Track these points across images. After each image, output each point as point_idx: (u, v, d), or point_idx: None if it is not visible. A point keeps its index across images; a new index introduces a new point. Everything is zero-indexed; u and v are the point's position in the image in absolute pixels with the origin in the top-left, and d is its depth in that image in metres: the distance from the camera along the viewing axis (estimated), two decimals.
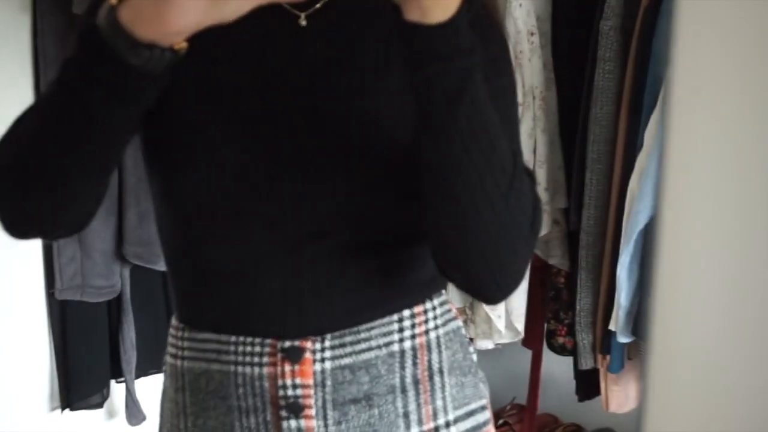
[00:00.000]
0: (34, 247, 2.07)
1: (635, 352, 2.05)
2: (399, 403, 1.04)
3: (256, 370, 1.01)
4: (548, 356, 2.32)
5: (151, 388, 2.23)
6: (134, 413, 2.26)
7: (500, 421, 2.51)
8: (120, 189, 2.05)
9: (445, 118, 0.87)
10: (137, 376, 2.23)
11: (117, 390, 2.27)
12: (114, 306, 2.17)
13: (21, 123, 0.94)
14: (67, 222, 1.01)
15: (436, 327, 1.07)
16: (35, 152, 0.92)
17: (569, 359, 2.21)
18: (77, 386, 2.15)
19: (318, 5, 0.99)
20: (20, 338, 2.09)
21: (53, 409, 2.18)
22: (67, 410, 2.17)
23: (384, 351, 1.03)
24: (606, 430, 2.53)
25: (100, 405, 2.21)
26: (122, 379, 2.23)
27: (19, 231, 0.98)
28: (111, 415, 2.30)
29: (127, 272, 2.15)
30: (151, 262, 2.11)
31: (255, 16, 0.97)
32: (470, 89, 0.86)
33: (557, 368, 2.39)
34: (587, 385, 2.18)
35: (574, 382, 2.22)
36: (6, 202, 0.96)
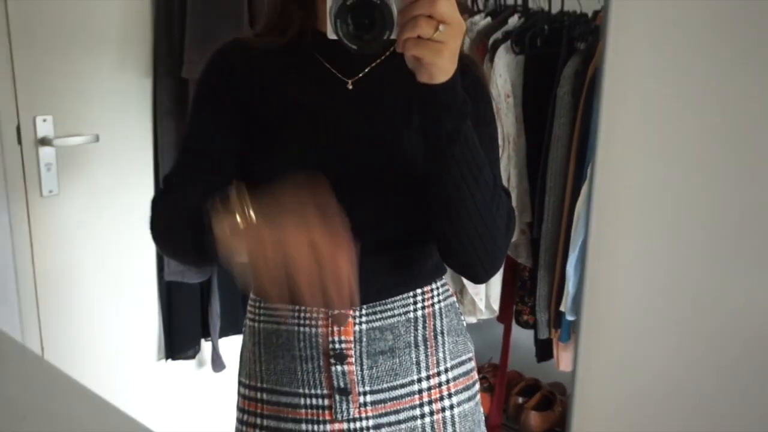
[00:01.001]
0: (150, 243, 2.08)
1: (578, 327, 2.06)
2: (413, 355, 1.05)
3: (313, 330, 1.03)
4: (516, 329, 2.32)
5: (230, 346, 2.23)
6: (218, 363, 2.26)
7: (480, 375, 2.43)
8: None
9: (445, 150, 0.89)
10: (220, 337, 2.22)
11: (206, 346, 2.26)
12: (205, 286, 2.16)
13: (162, 213, 1.03)
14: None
15: (439, 301, 1.08)
16: (169, 242, 1.04)
17: (531, 332, 2.23)
18: (177, 343, 2.16)
19: (361, 75, 1.01)
20: (138, 308, 2.10)
21: (159, 359, 2.18)
22: (169, 360, 2.18)
23: (403, 318, 1.04)
24: (556, 384, 2.53)
25: (193, 357, 2.20)
26: (209, 338, 2.22)
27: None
28: (201, 364, 2.29)
29: None
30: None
31: (315, 80, 1.00)
32: (463, 129, 0.88)
33: (522, 338, 2.38)
34: (544, 350, 2.20)
35: (534, 348, 2.23)
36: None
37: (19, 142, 1.79)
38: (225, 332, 2.24)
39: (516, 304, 2.28)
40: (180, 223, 0.96)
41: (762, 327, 0.86)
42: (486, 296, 2.15)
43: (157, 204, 1.05)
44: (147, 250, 2.08)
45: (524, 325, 2.27)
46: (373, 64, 1.01)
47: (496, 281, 2.15)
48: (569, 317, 1.96)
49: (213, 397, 2.31)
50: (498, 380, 2.37)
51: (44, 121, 1.81)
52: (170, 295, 2.12)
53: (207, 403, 2.31)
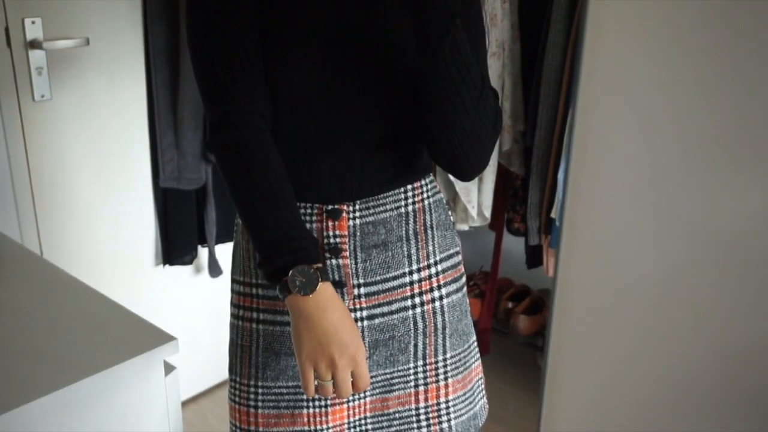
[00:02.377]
0: (145, 148, 2.06)
1: (561, 230, 2.07)
2: (405, 248, 1.08)
3: (309, 225, 1.05)
4: (507, 237, 2.34)
5: (227, 252, 2.25)
6: (214, 268, 2.30)
7: (471, 282, 2.53)
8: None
9: (435, 47, 0.90)
10: (217, 243, 2.25)
11: (202, 252, 2.29)
12: (200, 193, 2.18)
13: (238, 173, 0.96)
14: None
15: (428, 197, 1.10)
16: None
17: (522, 239, 2.25)
18: (174, 249, 2.18)
19: None
20: (135, 215, 2.11)
21: (157, 264, 2.21)
22: (167, 265, 2.21)
23: (395, 212, 1.07)
24: (545, 290, 2.55)
25: (190, 262, 2.23)
26: (206, 244, 2.25)
27: None
28: (198, 270, 2.32)
29: (210, 169, 2.14)
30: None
31: None
32: (452, 28, 0.89)
33: (513, 245, 2.41)
34: (534, 257, 2.22)
35: (525, 255, 2.25)
36: None
37: (9, 44, 1.76)
38: (221, 238, 2.26)
39: (507, 212, 2.30)
40: (255, 204, 0.95)
41: (743, 234, 0.88)
42: (478, 204, 2.16)
43: (227, 152, 0.96)
44: (141, 155, 2.08)
45: (515, 232, 2.29)
46: None
47: (488, 189, 2.16)
48: (559, 223, 1.97)
49: (210, 303, 2.36)
50: (489, 286, 2.41)
51: (33, 23, 1.78)
52: (166, 201, 2.13)
53: (204, 308, 2.36)
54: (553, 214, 1.98)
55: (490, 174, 2.14)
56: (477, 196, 2.15)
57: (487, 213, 2.19)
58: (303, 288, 0.92)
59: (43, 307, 1.07)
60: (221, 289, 2.35)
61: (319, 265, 0.94)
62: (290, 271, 0.92)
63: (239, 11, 0.95)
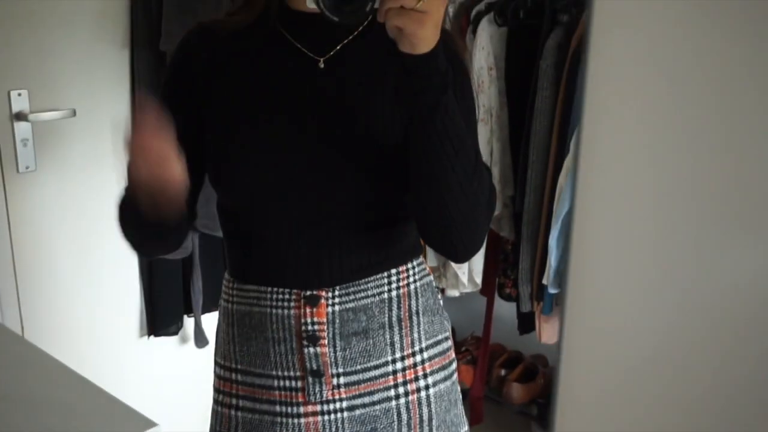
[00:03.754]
0: None
1: (561, 300, 2.07)
2: (387, 336, 1.04)
3: (286, 311, 1.01)
4: (498, 302, 2.32)
5: (213, 322, 2.21)
6: (200, 339, 2.26)
7: (463, 348, 2.52)
8: None
9: (426, 121, 0.87)
10: (203, 313, 2.22)
11: (188, 322, 2.26)
12: (187, 262, 2.15)
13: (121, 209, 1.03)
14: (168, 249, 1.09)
15: (415, 281, 1.06)
16: (130, 231, 1.02)
17: (513, 304, 2.22)
18: (159, 319, 2.15)
19: (332, 53, 0.98)
20: (119, 284, 2.08)
21: (142, 335, 2.17)
22: (152, 336, 2.17)
23: (377, 298, 1.03)
24: (538, 356, 2.54)
25: (176, 333, 2.20)
26: (192, 314, 2.21)
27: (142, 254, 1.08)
28: (184, 340, 2.30)
29: (197, 238, 2.12)
30: (215, 231, 2.00)
31: (285, 60, 0.98)
32: (444, 100, 0.87)
33: (505, 311, 2.39)
34: (526, 323, 2.20)
35: (516, 321, 2.23)
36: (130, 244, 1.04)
37: None
38: (208, 308, 2.23)
39: (498, 277, 2.28)
40: (137, 219, 0.97)
41: (754, 300, 0.85)
42: (469, 270, 2.15)
43: (122, 208, 1.04)
44: None
45: (507, 298, 2.27)
46: (345, 42, 0.99)
47: (479, 255, 2.15)
48: (551, 290, 1.96)
49: (196, 374, 2.30)
50: (480, 353, 2.38)
51: (19, 95, 1.77)
52: (152, 271, 2.11)
53: (190, 380, 2.30)
54: (544, 281, 1.96)
55: None
56: (468, 262, 2.14)
57: (478, 279, 2.18)
58: None
59: (21, 391, 1.03)
60: (207, 360, 2.29)
61: None
62: None
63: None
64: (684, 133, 0.84)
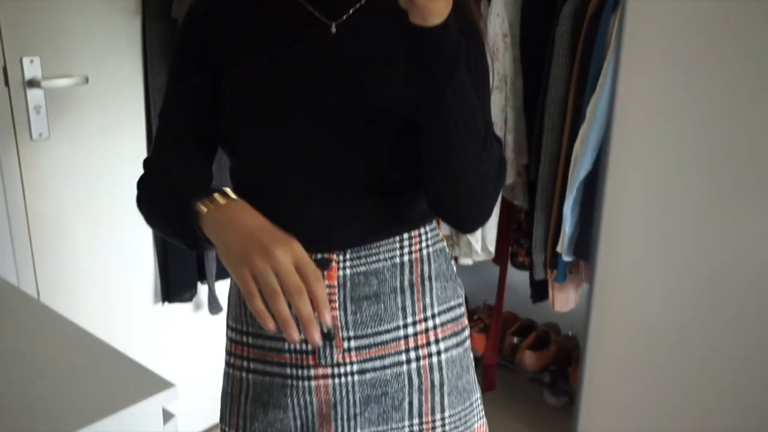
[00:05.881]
0: None
1: (574, 268, 2.07)
2: (399, 300, 1.03)
3: None
4: (511, 271, 2.32)
5: (226, 289, 2.24)
6: (214, 305, 2.28)
7: (475, 317, 2.53)
8: None
9: (437, 94, 0.86)
10: (217, 280, 2.23)
11: (202, 289, 2.28)
12: None
13: (148, 197, 1.03)
14: None
15: (427, 246, 1.06)
16: (157, 225, 1.01)
17: (526, 273, 2.23)
18: (174, 286, 2.16)
19: (344, 17, 0.97)
20: (134, 253, 2.10)
21: (156, 302, 2.19)
22: (166, 303, 2.19)
23: (389, 262, 1.02)
24: (551, 324, 2.55)
25: (190, 299, 2.22)
26: (206, 281, 2.22)
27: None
28: (198, 307, 2.31)
29: None
30: None
31: (296, 24, 0.97)
32: (456, 74, 0.85)
33: (518, 279, 2.39)
34: (539, 291, 2.20)
35: (529, 289, 2.23)
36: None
37: (6, 83, 1.75)
38: (221, 275, 2.24)
39: (512, 245, 2.28)
40: (166, 209, 0.97)
41: None
42: (482, 238, 2.15)
43: (143, 185, 1.04)
44: None
45: (520, 266, 2.28)
46: (357, 6, 0.98)
47: (492, 223, 2.15)
48: (565, 258, 1.96)
49: (210, 340, 2.33)
50: (493, 321, 2.39)
51: (31, 62, 1.77)
52: (165, 240, 2.07)
53: (204, 346, 2.33)
54: (558, 249, 1.95)
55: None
56: (481, 230, 2.14)
57: (491, 247, 2.17)
58: (212, 201, 0.87)
59: (38, 353, 1.05)
60: (221, 327, 2.32)
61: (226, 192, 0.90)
62: (196, 203, 0.88)
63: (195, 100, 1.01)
64: (723, 98, 0.83)
